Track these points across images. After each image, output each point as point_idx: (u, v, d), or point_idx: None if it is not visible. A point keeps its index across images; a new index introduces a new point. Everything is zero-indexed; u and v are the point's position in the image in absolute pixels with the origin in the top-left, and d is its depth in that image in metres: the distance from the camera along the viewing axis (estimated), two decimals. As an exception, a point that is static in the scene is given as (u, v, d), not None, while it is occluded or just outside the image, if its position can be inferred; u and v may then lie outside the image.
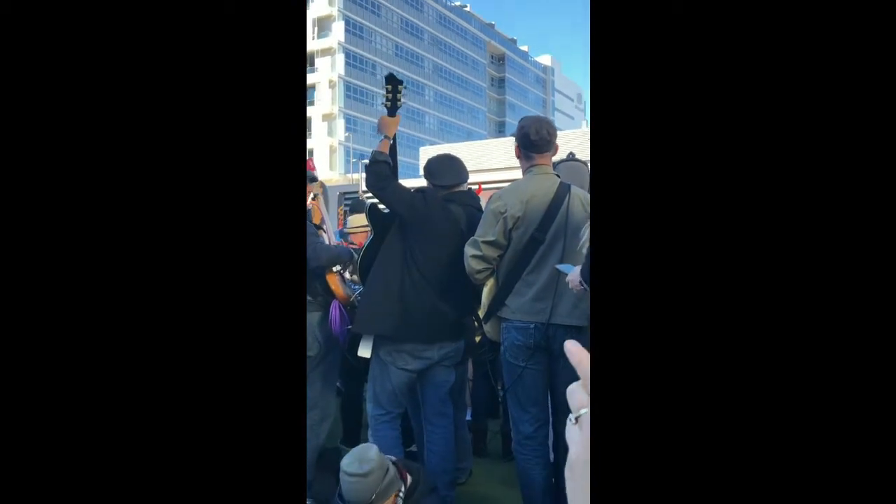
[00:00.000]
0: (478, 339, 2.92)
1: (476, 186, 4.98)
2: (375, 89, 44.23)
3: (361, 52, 44.09)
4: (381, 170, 2.65)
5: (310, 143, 41.56)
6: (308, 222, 2.96)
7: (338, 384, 3.49)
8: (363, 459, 2.08)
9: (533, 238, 2.42)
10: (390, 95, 2.86)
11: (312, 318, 2.86)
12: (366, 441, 2.73)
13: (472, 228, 2.60)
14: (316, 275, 2.87)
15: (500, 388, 3.82)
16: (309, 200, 3.12)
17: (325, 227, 3.16)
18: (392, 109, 2.86)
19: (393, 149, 2.86)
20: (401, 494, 2.11)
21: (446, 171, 2.79)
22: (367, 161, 2.86)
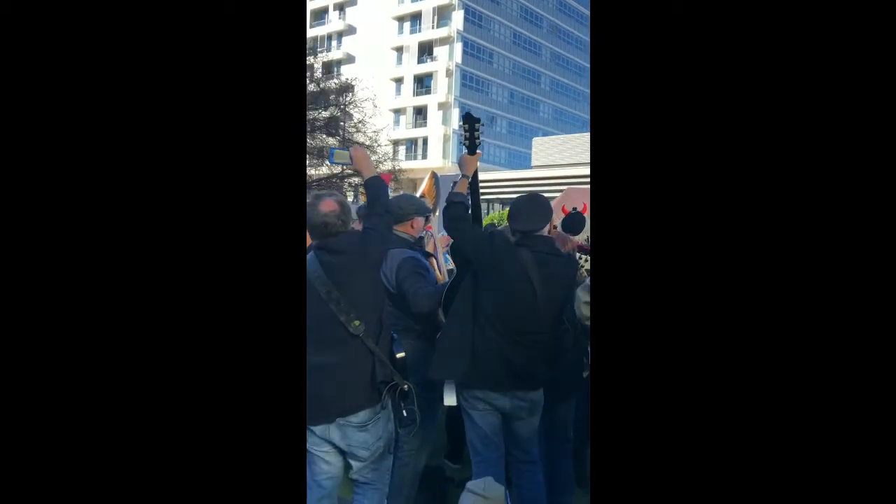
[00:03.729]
0: (585, 375, 2.88)
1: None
2: (492, 78, 44.15)
3: (479, 40, 44.07)
4: (456, 211, 2.66)
5: (424, 132, 42.17)
6: (417, 251, 3.00)
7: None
8: (491, 485, 2.16)
9: None
10: (468, 134, 2.85)
11: (418, 345, 2.90)
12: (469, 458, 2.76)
13: (542, 275, 2.53)
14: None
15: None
16: (423, 225, 3.16)
17: (436, 256, 3.19)
18: (471, 148, 2.85)
19: (474, 185, 2.84)
20: None
21: (525, 215, 2.71)
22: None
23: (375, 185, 2.48)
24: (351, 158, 2.54)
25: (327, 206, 2.29)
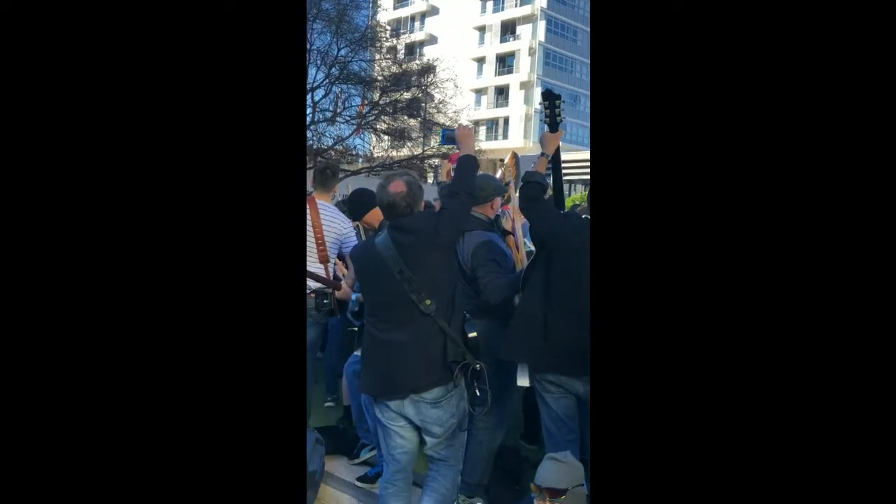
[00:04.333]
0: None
1: None
2: (576, 56, 43.19)
3: (563, 17, 43.16)
4: (532, 191, 2.61)
5: (506, 112, 41.83)
6: (496, 229, 2.97)
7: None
8: (570, 457, 2.18)
9: None
10: (548, 111, 2.78)
11: (492, 325, 2.87)
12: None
13: None
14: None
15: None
16: (498, 204, 3.13)
17: (514, 234, 3.16)
18: (553, 125, 2.78)
19: (556, 164, 2.77)
20: None
21: None
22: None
23: (463, 164, 2.48)
24: (456, 138, 2.63)
25: (396, 187, 2.32)
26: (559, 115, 2.81)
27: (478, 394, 2.32)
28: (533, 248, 3.11)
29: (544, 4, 41.71)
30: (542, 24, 41.88)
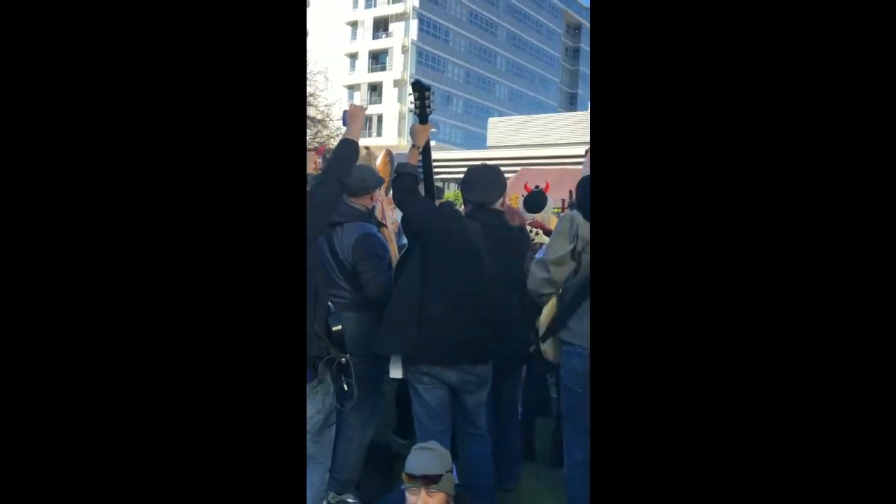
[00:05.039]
0: (532, 349, 2.87)
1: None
2: (448, 57, 43.88)
3: (435, 17, 43.72)
4: (405, 183, 2.58)
5: (380, 109, 41.70)
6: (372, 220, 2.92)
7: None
8: (438, 445, 2.17)
9: None
10: (418, 102, 2.76)
11: (364, 318, 2.83)
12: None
13: (492, 249, 2.50)
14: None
15: (553, 392, 3.77)
16: (377, 196, 3.07)
17: (387, 225, 3.12)
18: (422, 116, 2.76)
19: (426, 154, 2.76)
20: (452, 496, 2.12)
21: (479, 186, 2.65)
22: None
23: (340, 149, 2.37)
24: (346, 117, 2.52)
25: None
26: (429, 107, 2.80)
27: (345, 388, 2.26)
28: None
29: (416, 3, 42.04)
30: (414, 23, 42.19)
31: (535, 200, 4.15)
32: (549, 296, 2.50)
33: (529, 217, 4.17)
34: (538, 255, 2.58)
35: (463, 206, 2.91)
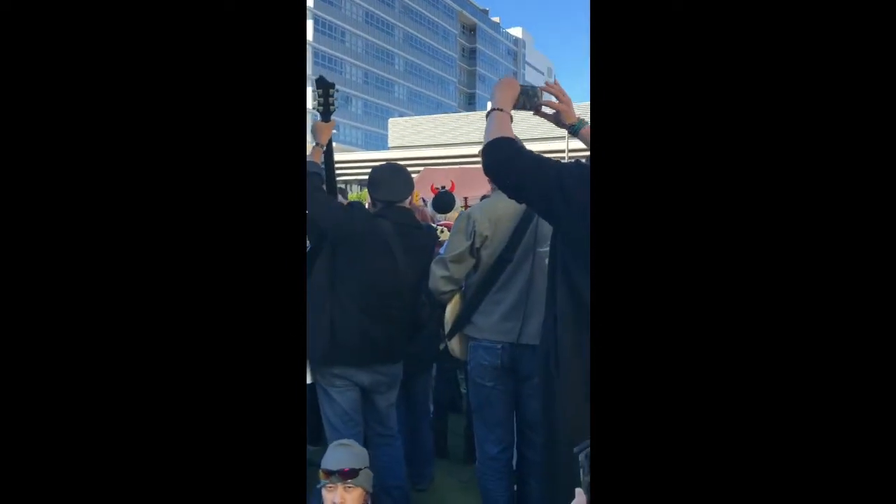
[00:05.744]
0: (441, 347, 2.89)
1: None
2: (345, 57, 43.36)
3: (331, 18, 43.13)
4: (309, 183, 2.52)
5: (276, 110, 40.54)
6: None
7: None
8: (352, 442, 2.19)
9: (501, 257, 2.38)
10: (322, 99, 2.72)
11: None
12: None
13: (404, 247, 2.51)
14: None
15: (463, 388, 3.82)
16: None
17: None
18: (325, 114, 2.72)
19: (329, 155, 2.72)
20: (370, 492, 2.13)
21: (387, 184, 2.64)
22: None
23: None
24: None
25: None
26: (332, 105, 2.76)
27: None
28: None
29: (311, 3, 41.30)
30: (309, 24, 41.43)
31: (444, 201, 4.19)
32: (451, 293, 2.52)
33: (441, 218, 4.20)
34: (438, 254, 2.60)
35: (370, 206, 2.89)
